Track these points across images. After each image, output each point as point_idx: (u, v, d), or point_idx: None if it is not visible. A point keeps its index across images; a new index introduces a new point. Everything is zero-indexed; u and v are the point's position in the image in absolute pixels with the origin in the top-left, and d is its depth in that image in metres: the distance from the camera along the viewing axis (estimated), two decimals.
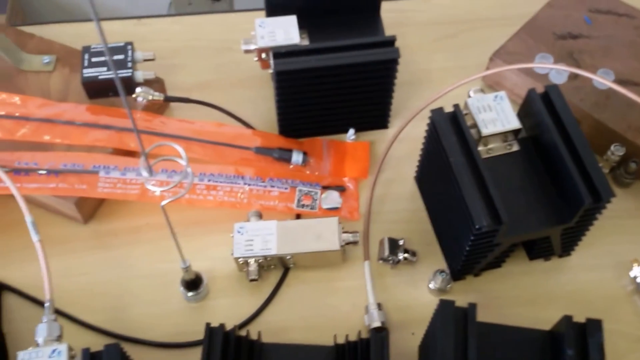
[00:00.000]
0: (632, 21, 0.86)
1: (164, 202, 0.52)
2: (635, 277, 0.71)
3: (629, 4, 0.87)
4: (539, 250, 0.72)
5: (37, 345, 0.56)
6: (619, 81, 0.80)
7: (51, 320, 0.57)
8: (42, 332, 0.56)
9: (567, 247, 0.73)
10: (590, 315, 0.58)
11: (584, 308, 0.69)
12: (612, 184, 0.79)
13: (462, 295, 0.70)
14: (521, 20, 0.86)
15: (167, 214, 0.56)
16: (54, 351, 0.53)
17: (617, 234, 0.75)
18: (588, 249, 0.74)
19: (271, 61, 0.71)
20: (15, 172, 0.69)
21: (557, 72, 0.81)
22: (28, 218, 0.60)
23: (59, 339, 0.56)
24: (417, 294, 0.71)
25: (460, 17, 0.93)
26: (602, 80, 0.72)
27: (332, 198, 0.75)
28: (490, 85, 0.86)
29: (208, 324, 0.59)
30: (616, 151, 0.76)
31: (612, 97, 0.79)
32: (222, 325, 0.59)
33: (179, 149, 0.48)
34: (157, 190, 0.49)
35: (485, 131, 0.67)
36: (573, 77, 0.81)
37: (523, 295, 0.72)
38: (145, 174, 0.48)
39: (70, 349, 0.54)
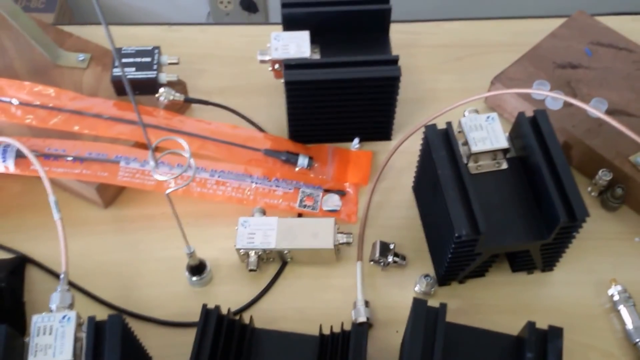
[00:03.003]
0: (631, 55, 0.90)
1: (168, 191, 0.58)
2: (612, 296, 0.75)
3: (629, 39, 0.92)
4: (521, 263, 0.77)
5: (51, 311, 0.62)
6: (613, 111, 0.85)
7: (64, 290, 0.63)
8: (55, 300, 0.63)
9: (548, 263, 0.77)
10: (568, 329, 0.62)
11: (562, 321, 0.72)
12: (599, 207, 0.83)
13: (445, 299, 0.74)
14: (526, 49, 0.91)
15: (176, 203, 0.62)
16: (64, 317, 0.59)
17: (600, 254, 0.79)
18: (570, 266, 0.78)
19: (283, 71, 0.77)
20: (45, 156, 0.77)
21: (553, 98, 0.86)
22: (51, 198, 0.67)
23: (71, 307, 0.63)
24: (403, 295, 0.76)
25: (468, 42, 0.98)
26: (592, 109, 0.77)
27: (333, 201, 0.81)
28: (492, 107, 0.91)
29: (205, 305, 0.65)
30: (604, 176, 0.80)
31: (605, 125, 0.83)
32: (217, 307, 0.65)
33: (183, 143, 0.54)
34: (163, 178, 0.55)
35: (474, 148, 0.72)
36: (568, 104, 0.86)
37: (504, 304, 0.76)
38: (152, 163, 0.54)
39: (79, 316, 0.60)
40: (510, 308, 0.76)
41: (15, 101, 0.81)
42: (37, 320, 0.59)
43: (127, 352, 0.60)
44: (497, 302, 0.76)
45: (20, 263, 0.75)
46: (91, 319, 0.59)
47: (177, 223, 0.65)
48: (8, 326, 0.58)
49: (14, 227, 0.79)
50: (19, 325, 0.70)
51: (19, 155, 0.76)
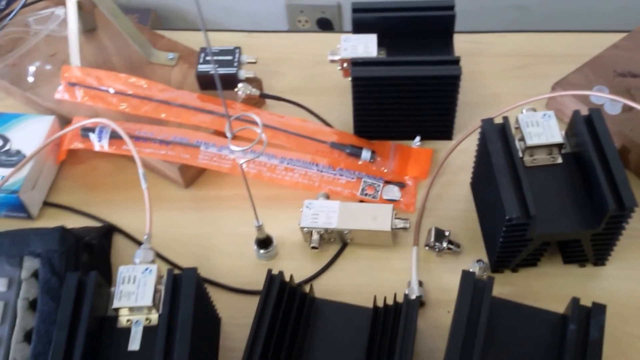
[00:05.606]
0: None
1: (242, 161, 0.65)
2: None
3: None
4: (572, 254, 0.79)
5: (135, 264, 0.70)
6: None
7: (147, 248, 0.71)
8: (139, 255, 0.70)
9: (600, 256, 0.79)
10: (618, 319, 0.65)
11: (612, 312, 0.75)
12: None
13: (497, 285, 0.77)
14: (587, 59, 0.95)
15: (249, 182, 0.70)
16: (146, 269, 0.67)
17: None
18: (623, 262, 0.80)
19: (350, 69, 0.84)
20: (135, 138, 0.86)
21: (612, 103, 0.89)
22: (140, 170, 0.76)
23: (152, 262, 0.71)
24: (456, 279, 0.78)
25: (531, 52, 1.02)
26: None
27: (393, 191, 0.86)
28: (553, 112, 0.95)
29: (270, 270, 0.71)
30: None
31: None
32: (281, 273, 0.71)
33: (256, 118, 0.61)
34: (237, 149, 0.62)
35: (529, 142, 0.76)
36: (627, 109, 0.88)
37: (556, 294, 0.78)
38: (228, 134, 0.61)
39: (159, 271, 0.68)
40: (560, 298, 0.77)
41: (111, 90, 0.91)
42: (122, 271, 0.67)
43: (200, 303, 0.66)
44: (550, 292, 0.79)
45: (109, 230, 0.84)
46: (170, 271, 0.66)
47: (248, 197, 0.71)
48: (97, 274, 0.66)
49: (105, 201, 0.89)
50: (106, 279, 0.78)
51: (113, 136, 0.85)
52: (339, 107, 0.96)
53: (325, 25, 1.62)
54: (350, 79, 0.85)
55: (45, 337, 0.66)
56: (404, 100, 0.86)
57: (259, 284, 0.76)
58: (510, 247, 0.75)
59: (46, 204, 0.89)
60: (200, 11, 0.48)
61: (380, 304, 0.73)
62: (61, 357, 0.61)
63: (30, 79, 0.96)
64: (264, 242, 0.81)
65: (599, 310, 0.64)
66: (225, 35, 1.07)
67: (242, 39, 1.07)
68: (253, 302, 0.71)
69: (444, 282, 0.80)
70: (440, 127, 0.92)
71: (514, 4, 1.51)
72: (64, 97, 0.91)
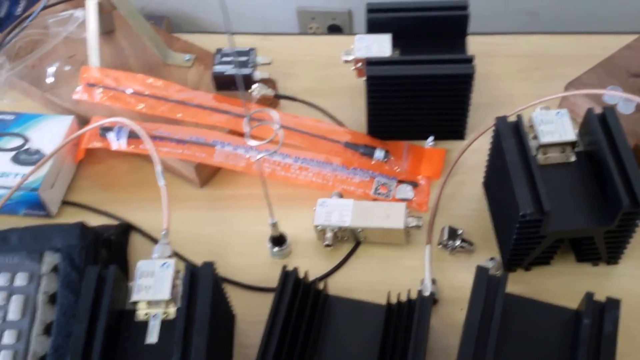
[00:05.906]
0: None
1: (259, 156, 0.66)
2: None
3: None
4: (585, 252, 0.79)
5: (153, 259, 0.71)
6: None
7: (165, 243, 0.72)
8: (157, 250, 0.71)
9: (613, 254, 0.79)
10: (632, 318, 0.65)
11: (627, 311, 0.74)
12: None
13: (510, 284, 0.77)
14: (600, 60, 0.95)
15: (266, 183, 0.71)
16: (164, 264, 0.68)
17: None
18: (637, 260, 0.80)
19: (365, 68, 0.85)
20: (153, 138, 0.87)
21: (625, 103, 0.89)
22: (157, 167, 0.77)
23: (169, 258, 0.72)
24: (470, 277, 0.79)
25: (544, 53, 1.03)
26: None
27: (406, 190, 0.87)
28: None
29: (284, 266, 0.72)
30: None
31: None
32: (295, 269, 0.72)
33: (273, 112, 0.62)
34: (254, 144, 0.63)
35: (543, 140, 0.76)
36: None
37: (569, 292, 0.77)
38: (246, 129, 0.62)
39: (176, 266, 0.69)
40: (573, 296, 0.77)
41: (129, 91, 0.92)
42: (141, 265, 0.68)
43: (217, 298, 0.67)
44: (563, 290, 0.79)
45: (126, 228, 0.85)
46: (188, 265, 0.67)
47: (262, 197, 0.72)
48: (117, 267, 0.67)
49: (122, 200, 0.90)
50: (124, 274, 0.79)
51: (131, 136, 0.87)
52: (352, 108, 0.97)
53: (336, 32, 1.64)
54: (364, 79, 0.86)
55: (65, 329, 0.67)
56: (417, 99, 0.87)
57: (273, 281, 0.77)
58: (523, 244, 0.76)
59: (64, 202, 0.91)
60: (225, 12, 0.49)
61: (393, 301, 0.73)
62: (81, 349, 0.62)
63: (49, 80, 0.98)
64: (278, 240, 0.81)
65: (613, 305, 0.64)
66: (238, 38, 1.09)
67: (256, 42, 1.07)
68: (267, 300, 0.72)
69: (457, 280, 0.80)
70: (453, 127, 0.92)
71: (524, 8, 1.52)
72: (83, 98, 0.93)
